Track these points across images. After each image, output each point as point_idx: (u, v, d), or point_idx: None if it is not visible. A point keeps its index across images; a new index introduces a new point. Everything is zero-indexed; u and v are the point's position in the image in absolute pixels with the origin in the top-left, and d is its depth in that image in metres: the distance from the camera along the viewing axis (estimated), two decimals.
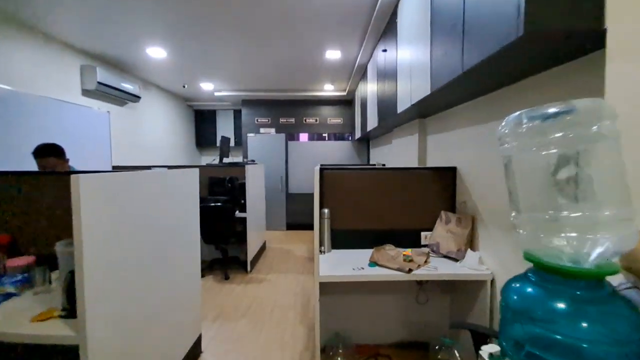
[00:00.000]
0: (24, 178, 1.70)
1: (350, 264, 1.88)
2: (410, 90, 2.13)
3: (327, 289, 2.18)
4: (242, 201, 4.02)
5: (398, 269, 1.76)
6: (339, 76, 5.02)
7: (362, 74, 4.38)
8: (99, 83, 3.92)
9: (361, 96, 4.65)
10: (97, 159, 4.19)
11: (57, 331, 1.16)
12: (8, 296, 1.39)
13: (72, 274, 1.23)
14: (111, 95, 4.32)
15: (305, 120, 6.30)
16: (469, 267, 1.75)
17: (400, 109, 2.41)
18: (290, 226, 6.30)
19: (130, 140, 4.89)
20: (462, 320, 1.97)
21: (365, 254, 2.05)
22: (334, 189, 2.27)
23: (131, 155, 4.92)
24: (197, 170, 2.27)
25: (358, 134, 5.02)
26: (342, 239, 2.21)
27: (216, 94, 5.85)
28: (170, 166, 4.55)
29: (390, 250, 2.03)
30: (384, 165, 4.51)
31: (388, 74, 2.80)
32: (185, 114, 6.88)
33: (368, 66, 3.91)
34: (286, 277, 3.75)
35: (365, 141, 6.26)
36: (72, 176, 1.10)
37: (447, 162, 2.29)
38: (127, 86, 4.51)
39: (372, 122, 3.65)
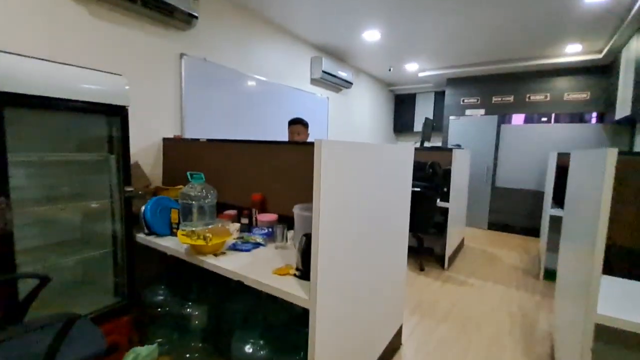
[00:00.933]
0: (276, 146, 1.99)
1: None
2: None
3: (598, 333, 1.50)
4: (445, 189, 3.60)
5: None
6: (597, 29, 3.59)
7: None
8: (324, 72, 4.42)
9: (637, 55, 3.14)
10: None
11: (293, 290, 1.21)
12: (257, 245, 1.64)
13: (307, 237, 1.27)
14: (330, 83, 4.82)
15: (529, 98, 5.02)
16: None
17: None
18: (493, 226, 5.32)
19: (341, 123, 5.38)
20: None
21: None
22: (621, 182, 1.51)
23: (341, 138, 5.41)
24: (412, 146, 2.06)
25: (624, 112, 3.47)
26: (624, 262, 1.46)
27: (420, 74, 5.55)
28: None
29: None
30: None
31: None
32: (386, 99, 6.98)
33: None
34: (494, 287, 3.10)
35: (629, 124, 4.34)
36: (316, 140, 1.08)
37: None
38: (343, 74, 4.91)
39: None
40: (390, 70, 5.40)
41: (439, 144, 6.13)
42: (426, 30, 3.85)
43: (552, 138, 4.85)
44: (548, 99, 4.88)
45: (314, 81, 4.56)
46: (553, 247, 3.61)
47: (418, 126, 6.78)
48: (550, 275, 3.37)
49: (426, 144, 4.47)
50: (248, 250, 1.61)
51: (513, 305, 2.74)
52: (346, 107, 5.46)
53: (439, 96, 6.51)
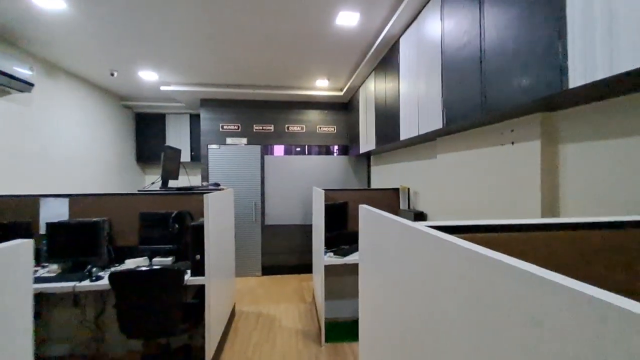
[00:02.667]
0: None
1: None
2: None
3: None
4: (198, 256, 2.36)
5: None
6: (343, 65, 3.61)
7: (385, 59, 2.99)
8: None
9: (378, 95, 3.26)
10: None
11: None
12: None
13: None
14: None
15: (288, 129, 4.79)
16: None
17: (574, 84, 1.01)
18: (267, 270, 4.66)
19: (13, 151, 3.04)
20: None
21: None
22: None
23: (17, 173, 3.06)
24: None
25: (369, 147, 3.60)
26: None
27: (163, 88, 4.17)
28: (80, 195, 2.77)
29: None
30: (408, 189, 3.12)
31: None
32: (121, 118, 5.05)
33: (402, 41, 2.53)
34: None
35: (365, 156, 4.88)
36: None
37: None
38: (17, 69, 2.75)
39: (420, 127, 2.23)
40: (113, 75, 3.68)
41: (198, 177, 4.94)
42: (155, 24, 2.57)
43: (310, 169, 4.80)
44: (304, 130, 4.81)
45: None
46: (331, 295, 3.20)
47: None
48: (332, 332, 2.85)
49: (173, 184, 3.12)
50: None
51: None
52: (27, 122, 3.19)
53: (196, 119, 5.38)
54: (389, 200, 3.29)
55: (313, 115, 4.83)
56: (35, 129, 3.29)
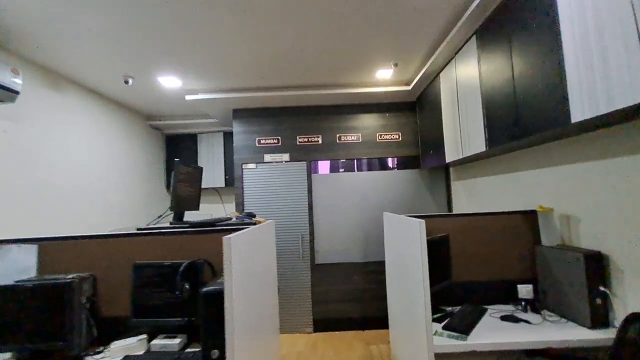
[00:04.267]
0: None
1: None
2: None
3: None
4: (215, 351, 1.32)
5: None
6: (423, 36, 2.57)
7: (507, 6, 1.90)
8: None
9: (489, 74, 2.15)
10: None
11: None
12: None
13: None
14: None
15: (340, 139, 3.78)
16: None
17: None
18: (321, 324, 3.53)
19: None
20: None
21: None
22: None
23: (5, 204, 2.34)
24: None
25: (472, 148, 2.43)
26: None
27: (188, 97, 3.42)
28: (53, 238, 1.88)
29: None
30: (535, 211, 1.89)
31: None
32: (149, 140, 4.42)
33: None
34: None
35: (441, 170, 3.70)
36: None
37: None
38: None
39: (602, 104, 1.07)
40: (128, 82, 2.98)
41: (232, 205, 4.06)
42: (172, 9, 1.76)
43: (371, 189, 3.70)
44: (360, 140, 3.77)
45: None
46: None
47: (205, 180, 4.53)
48: None
49: (190, 216, 2.19)
50: None
51: None
52: (13, 141, 2.49)
53: (230, 138, 4.60)
54: (518, 229, 2.06)
55: (371, 120, 3.79)
56: (26, 151, 2.60)
